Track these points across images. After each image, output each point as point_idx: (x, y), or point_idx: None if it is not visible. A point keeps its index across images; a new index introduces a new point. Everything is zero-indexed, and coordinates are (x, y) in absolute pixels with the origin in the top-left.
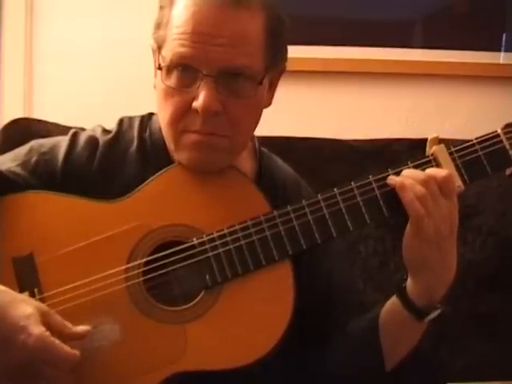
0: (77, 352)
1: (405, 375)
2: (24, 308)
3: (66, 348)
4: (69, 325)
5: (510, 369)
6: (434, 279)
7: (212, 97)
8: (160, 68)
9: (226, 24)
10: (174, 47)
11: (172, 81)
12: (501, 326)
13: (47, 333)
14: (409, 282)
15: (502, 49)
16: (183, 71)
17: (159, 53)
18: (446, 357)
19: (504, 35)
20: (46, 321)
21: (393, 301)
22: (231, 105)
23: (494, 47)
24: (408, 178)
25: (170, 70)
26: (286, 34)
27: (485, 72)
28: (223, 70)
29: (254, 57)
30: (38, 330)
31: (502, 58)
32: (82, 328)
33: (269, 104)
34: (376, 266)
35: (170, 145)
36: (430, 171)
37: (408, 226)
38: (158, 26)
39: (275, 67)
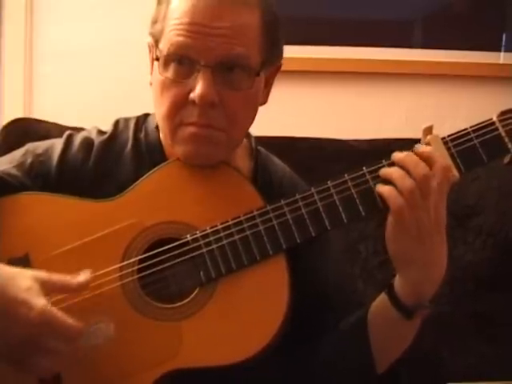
0: (80, 324)
1: (403, 375)
2: (22, 281)
3: (70, 320)
4: (69, 277)
5: (510, 369)
6: (420, 276)
7: (209, 87)
8: (157, 59)
9: (225, 15)
10: (171, 38)
11: (169, 72)
12: (501, 326)
13: (49, 305)
14: (396, 279)
15: (502, 49)
16: (180, 62)
17: (156, 46)
18: (446, 357)
19: (504, 35)
20: (46, 288)
21: (382, 297)
22: (228, 97)
23: (494, 47)
24: (398, 166)
25: (167, 61)
26: (281, 31)
27: (485, 72)
28: (221, 60)
29: (251, 48)
30: (40, 302)
31: (501, 57)
32: (83, 276)
33: (264, 102)
34: (376, 266)
35: (167, 139)
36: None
37: (389, 217)
38: (155, 20)
39: (271, 63)
